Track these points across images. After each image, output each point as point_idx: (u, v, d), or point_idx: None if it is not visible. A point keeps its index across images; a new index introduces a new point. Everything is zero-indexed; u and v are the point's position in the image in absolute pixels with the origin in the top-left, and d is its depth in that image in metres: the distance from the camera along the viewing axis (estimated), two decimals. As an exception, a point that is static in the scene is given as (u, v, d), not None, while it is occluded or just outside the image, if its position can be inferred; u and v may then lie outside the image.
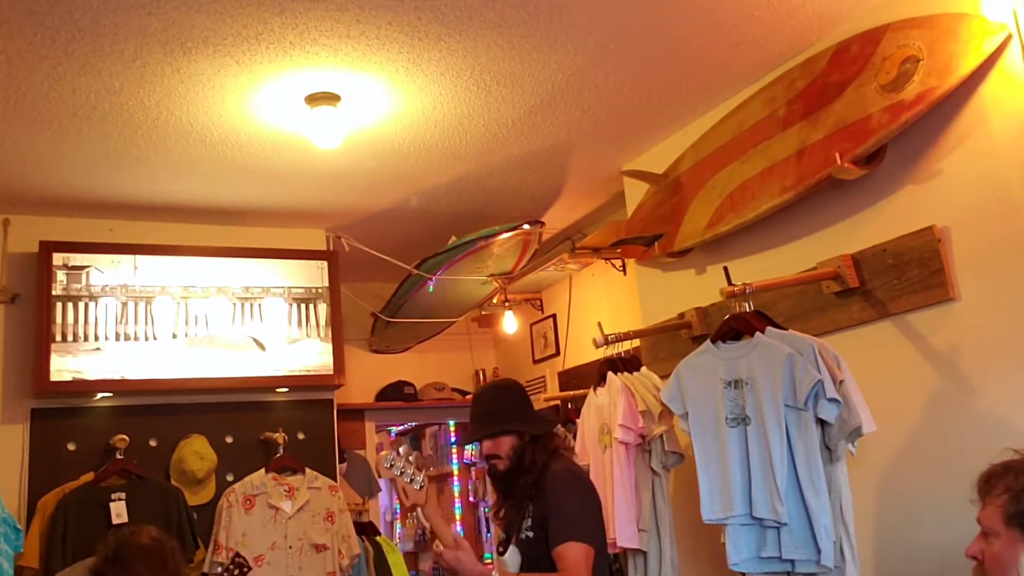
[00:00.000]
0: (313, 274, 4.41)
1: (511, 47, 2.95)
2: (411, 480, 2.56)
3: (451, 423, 6.68)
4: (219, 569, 3.68)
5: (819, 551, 2.42)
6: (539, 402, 5.23)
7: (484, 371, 5.97)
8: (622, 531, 3.09)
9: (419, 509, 2.62)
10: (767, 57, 3.16)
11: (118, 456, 3.85)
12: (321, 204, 4.31)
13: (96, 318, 3.93)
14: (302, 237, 4.58)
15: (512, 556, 2.50)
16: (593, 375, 3.47)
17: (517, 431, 2.55)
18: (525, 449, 2.53)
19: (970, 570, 1.89)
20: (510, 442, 2.54)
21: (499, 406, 2.60)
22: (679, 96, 3.43)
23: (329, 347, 4.35)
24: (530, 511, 2.49)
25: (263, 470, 4.04)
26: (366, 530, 4.42)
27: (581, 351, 5.04)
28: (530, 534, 2.46)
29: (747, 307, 2.71)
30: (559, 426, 4.22)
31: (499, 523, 2.68)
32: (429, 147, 3.71)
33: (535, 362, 5.65)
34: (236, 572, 3.39)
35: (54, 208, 4.02)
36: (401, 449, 2.65)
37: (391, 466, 2.55)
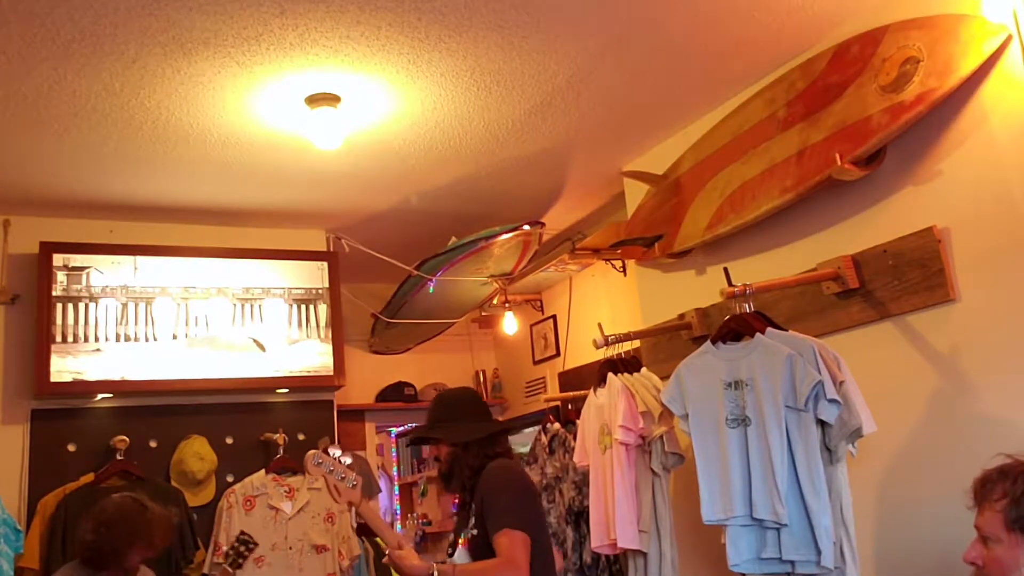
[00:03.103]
0: (313, 275, 4.41)
1: (511, 48, 2.95)
2: (343, 478, 2.66)
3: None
4: (225, 547, 3.70)
5: (819, 552, 2.42)
6: (539, 403, 5.23)
7: (484, 372, 5.97)
8: (622, 532, 3.09)
9: (354, 508, 2.77)
10: (767, 58, 3.16)
11: (118, 457, 3.85)
12: (321, 205, 4.31)
13: (96, 319, 3.93)
14: (302, 238, 4.58)
15: (460, 557, 2.57)
16: (593, 376, 3.47)
17: (438, 439, 2.71)
18: (457, 455, 2.66)
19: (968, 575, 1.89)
20: (445, 448, 2.69)
21: (438, 413, 2.76)
22: (679, 97, 3.43)
23: (329, 348, 4.35)
24: (472, 510, 2.59)
25: (263, 471, 4.04)
26: (366, 531, 4.42)
27: (581, 352, 5.03)
28: (474, 532, 2.54)
29: (747, 308, 2.71)
30: (557, 426, 4.19)
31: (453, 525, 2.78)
32: (429, 148, 3.71)
33: (535, 363, 5.64)
34: (242, 549, 3.40)
35: (54, 209, 4.03)
36: (331, 450, 2.73)
37: (320, 463, 2.66)
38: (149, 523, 2.95)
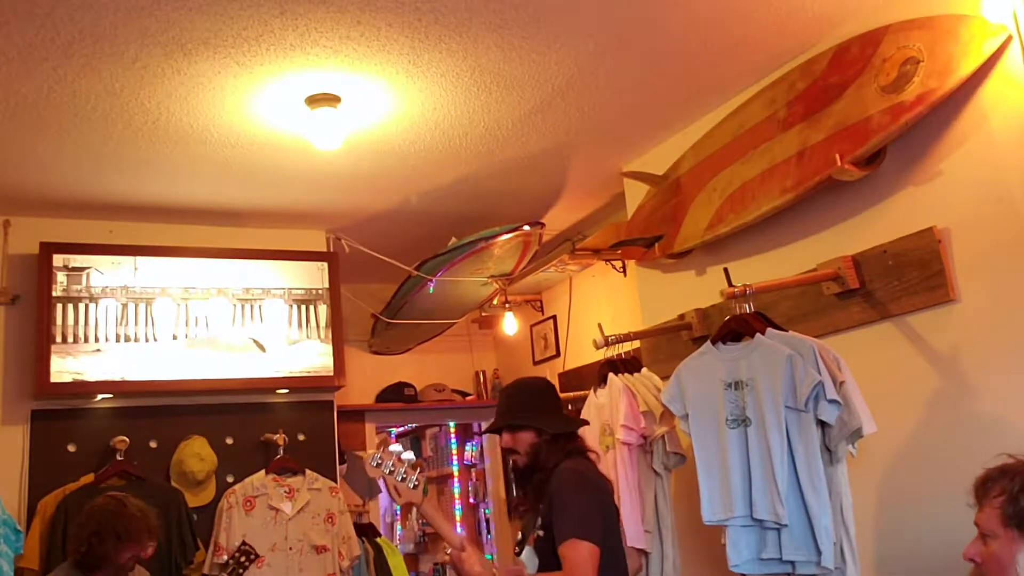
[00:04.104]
0: (313, 275, 4.41)
1: (511, 48, 2.95)
2: (403, 479, 2.53)
3: (451, 425, 6.68)
4: (225, 558, 3.69)
5: (819, 552, 2.42)
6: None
7: (484, 372, 5.97)
8: (629, 531, 3.09)
9: (415, 509, 2.60)
10: (767, 58, 3.16)
11: (118, 457, 3.85)
12: (321, 205, 4.31)
13: (96, 319, 3.93)
14: (302, 238, 4.58)
15: (528, 557, 2.48)
16: (593, 376, 3.47)
17: (530, 427, 2.55)
18: (541, 447, 2.53)
19: (968, 573, 1.89)
20: (528, 439, 2.55)
21: (519, 401, 2.61)
22: (679, 97, 3.43)
23: (329, 348, 4.35)
24: (542, 511, 2.48)
25: (263, 471, 4.04)
26: (366, 531, 4.42)
27: (581, 352, 5.03)
28: (541, 533, 2.45)
29: (747, 308, 2.71)
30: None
31: (518, 521, 2.65)
32: (429, 148, 3.71)
33: (535, 363, 5.64)
34: (243, 559, 3.40)
35: (54, 209, 4.03)
36: (392, 448, 2.60)
37: (379, 464, 2.53)
38: (129, 520, 2.97)
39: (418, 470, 2.56)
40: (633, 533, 3.10)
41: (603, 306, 4.87)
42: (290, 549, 3.90)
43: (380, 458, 2.52)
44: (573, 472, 2.47)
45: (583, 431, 3.39)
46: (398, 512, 6.61)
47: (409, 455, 2.55)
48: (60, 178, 3.70)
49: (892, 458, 2.76)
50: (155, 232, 4.25)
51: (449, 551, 2.44)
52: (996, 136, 2.53)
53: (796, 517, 2.46)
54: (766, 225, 3.22)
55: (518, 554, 2.55)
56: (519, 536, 2.60)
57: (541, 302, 5.62)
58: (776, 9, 2.84)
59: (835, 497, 2.48)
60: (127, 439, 3.88)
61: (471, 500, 6.80)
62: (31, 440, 3.84)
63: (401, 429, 6.75)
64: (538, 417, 2.56)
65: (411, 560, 6.94)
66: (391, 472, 2.51)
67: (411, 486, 2.52)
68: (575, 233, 4.94)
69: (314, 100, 3.16)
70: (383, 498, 6.21)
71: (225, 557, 3.75)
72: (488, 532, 6.57)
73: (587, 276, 5.07)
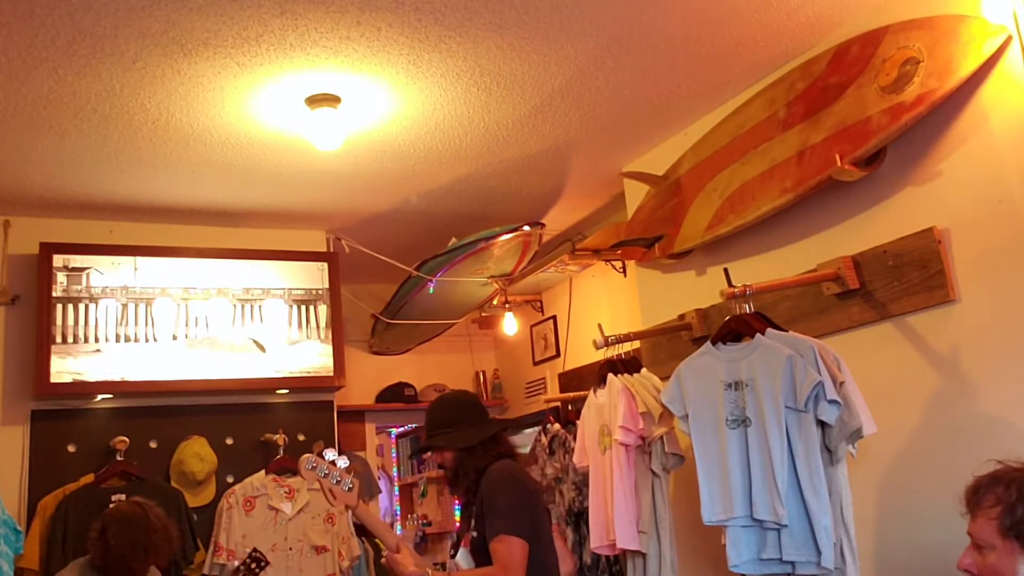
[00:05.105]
0: (313, 276, 4.41)
1: (511, 49, 2.95)
2: (338, 481, 2.63)
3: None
4: (236, 563, 3.69)
5: (819, 553, 2.42)
6: (539, 404, 5.23)
7: (484, 372, 5.97)
8: (621, 533, 3.09)
9: (350, 511, 2.73)
10: (767, 59, 3.16)
11: (118, 458, 3.85)
12: (321, 206, 4.31)
13: (96, 319, 3.93)
14: (302, 239, 4.58)
15: (463, 558, 2.57)
16: (593, 376, 3.47)
17: (441, 446, 2.68)
18: (462, 459, 2.65)
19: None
20: (449, 454, 2.67)
21: (436, 420, 2.74)
22: (679, 98, 3.43)
23: (329, 349, 4.35)
24: (474, 512, 2.58)
25: (263, 472, 4.05)
26: (366, 532, 4.42)
27: (581, 353, 5.03)
28: (474, 534, 2.54)
29: (747, 309, 2.71)
30: (557, 427, 4.19)
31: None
32: (429, 149, 3.71)
33: (535, 364, 5.64)
34: (254, 566, 3.40)
35: (54, 210, 4.03)
36: (326, 453, 2.70)
37: (313, 468, 2.63)
38: (158, 534, 3.05)
39: (351, 474, 2.68)
40: (626, 535, 3.10)
41: (603, 306, 4.87)
42: (290, 549, 3.90)
43: (314, 462, 2.65)
44: (499, 471, 2.58)
45: (583, 431, 3.42)
46: (398, 512, 6.62)
47: (343, 460, 2.65)
48: (60, 178, 3.70)
49: (892, 458, 2.76)
50: (155, 232, 4.25)
51: (385, 552, 2.57)
52: (996, 136, 2.53)
53: (796, 517, 2.46)
54: (766, 225, 3.22)
55: (453, 556, 2.64)
56: (454, 539, 2.69)
57: (541, 302, 5.62)
58: (776, 9, 2.84)
59: (835, 497, 2.48)
60: (127, 439, 3.88)
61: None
62: (31, 440, 3.84)
63: (401, 429, 6.74)
64: (451, 432, 2.68)
65: (411, 560, 6.91)
66: (325, 475, 2.63)
67: (346, 489, 2.64)
68: (575, 233, 4.94)
69: (314, 100, 3.16)
70: (383, 498, 6.22)
71: (235, 562, 3.73)
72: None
73: (587, 276, 5.07)
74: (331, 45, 2.83)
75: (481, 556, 2.51)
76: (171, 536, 3.13)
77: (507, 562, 2.41)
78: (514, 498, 2.53)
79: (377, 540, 4.41)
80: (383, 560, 2.67)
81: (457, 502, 6.78)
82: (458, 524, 2.91)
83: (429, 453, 2.81)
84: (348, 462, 2.71)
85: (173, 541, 3.15)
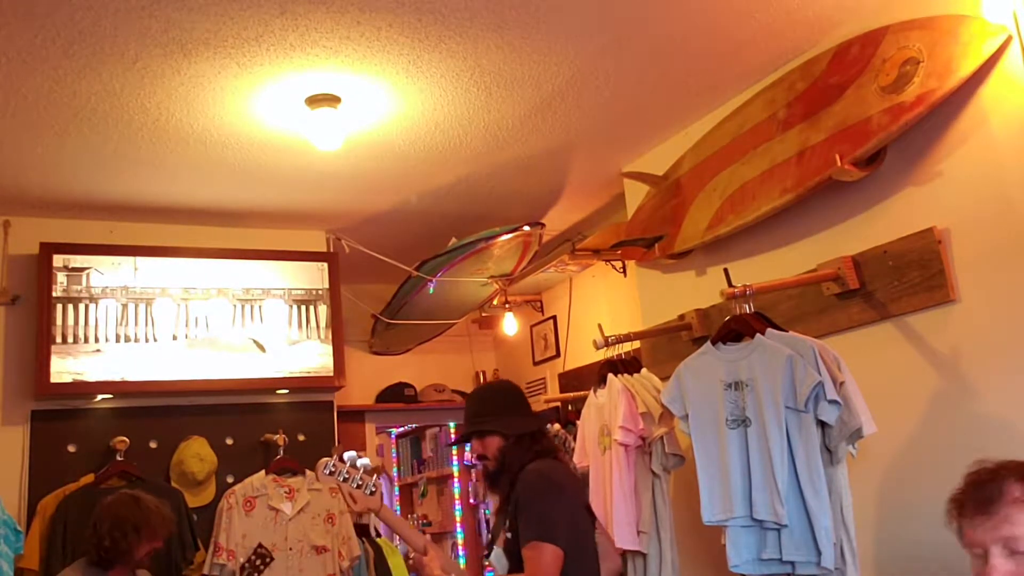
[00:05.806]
0: (313, 276, 4.41)
1: (511, 49, 2.95)
2: (359, 485, 2.49)
3: (451, 425, 6.68)
4: (241, 560, 3.69)
5: (819, 553, 2.42)
6: (539, 404, 5.23)
7: (484, 372, 5.97)
8: (621, 533, 3.09)
9: (373, 515, 2.59)
10: (767, 59, 3.16)
11: (118, 458, 3.85)
12: (321, 206, 4.31)
13: (96, 320, 3.93)
14: (302, 239, 4.58)
15: (497, 558, 2.49)
16: (593, 377, 3.47)
17: (494, 431, 2.56)
18: (508, 450, 2.54)
19: (970, 573, 1.86)
20: (496, 443, 2.56)
21: (484, 407, 2.62)
22: (679, 98, 3.43)
23: (329, 349, 4.35)
24: (509, 512, 2.50)
25: (263, 472, 4.04)
26: (366, 532, 4.42)
27: (581, 353, 5.03)
28: (509, 535, 2.46)
29: (747, 309, 2.71)
30: (557, 427, 4.20)
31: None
32: (429, 149, 3.71)
33: (535, 364, 5.64)
34: (258, 563, 3.41)
35: (54, 210, 4.03)
36: (346, 455, 2.57)
37: (332, 472, 2.46)
38: (147, 513, 3.06)
39: (375, 476, 2.51)
40: (625, 535, 3.09)
41: (603, 306, 4.87)
42: (290, 550, 3.89)
43: (333, 466, 2.48)
44: (536, 474, 2.47)
45: (583, 432, 3.42)
46: (398, 513, 6.61)
47: (365, 461, 2.48)
48: (60, 178, 3.70)
49: (892, 458, 2.76)
50: (155, 232, 4.25)
51: (412, 554, 2.44)
52: (996, 136, 2.53)
53: (796, 517, 2.46)
54: (766, 225, 3.22)
55: (487, 555, 2.55)
56: (489, 537, 2.60)
57: (541, 302, 5.62)
58: (776, 10, 2.84)
59: (835, 497, 2.48)
60: (127, 439, 3.88)
61: (471, 500, 6.80)
62: (31, 440, 3.84)
63: (401, 429, 6.74)
64: (503, 419, 2.57)
65: (411, 560, 6.92)
66: (345, 479, 2.47)
67: (368, 492, 2.48)
68: (575, 233, 4.94)
69: (314, 100, 3.16)
70: (383, 499, 6.21)
71: (240, 559, 3.74)
72: (488, 532, 6.57)
73: (587, 276, 5.07)
74: (331, 45, 2.83)
75: (514, 557, 2.43)
76: (164, 514, 3.12)
77: (537, 570, 2.32)
78: (549, 503, 2.42)
79: (378, 540, 4.41)
80: (410, 562, 2.57)
81: (459, 502, 6.79)
82: (491, 521, 2.81)
83: (472, 440, 2.62)
84: (370, 463, 2.55)
85: (167, 519, 3.13)
